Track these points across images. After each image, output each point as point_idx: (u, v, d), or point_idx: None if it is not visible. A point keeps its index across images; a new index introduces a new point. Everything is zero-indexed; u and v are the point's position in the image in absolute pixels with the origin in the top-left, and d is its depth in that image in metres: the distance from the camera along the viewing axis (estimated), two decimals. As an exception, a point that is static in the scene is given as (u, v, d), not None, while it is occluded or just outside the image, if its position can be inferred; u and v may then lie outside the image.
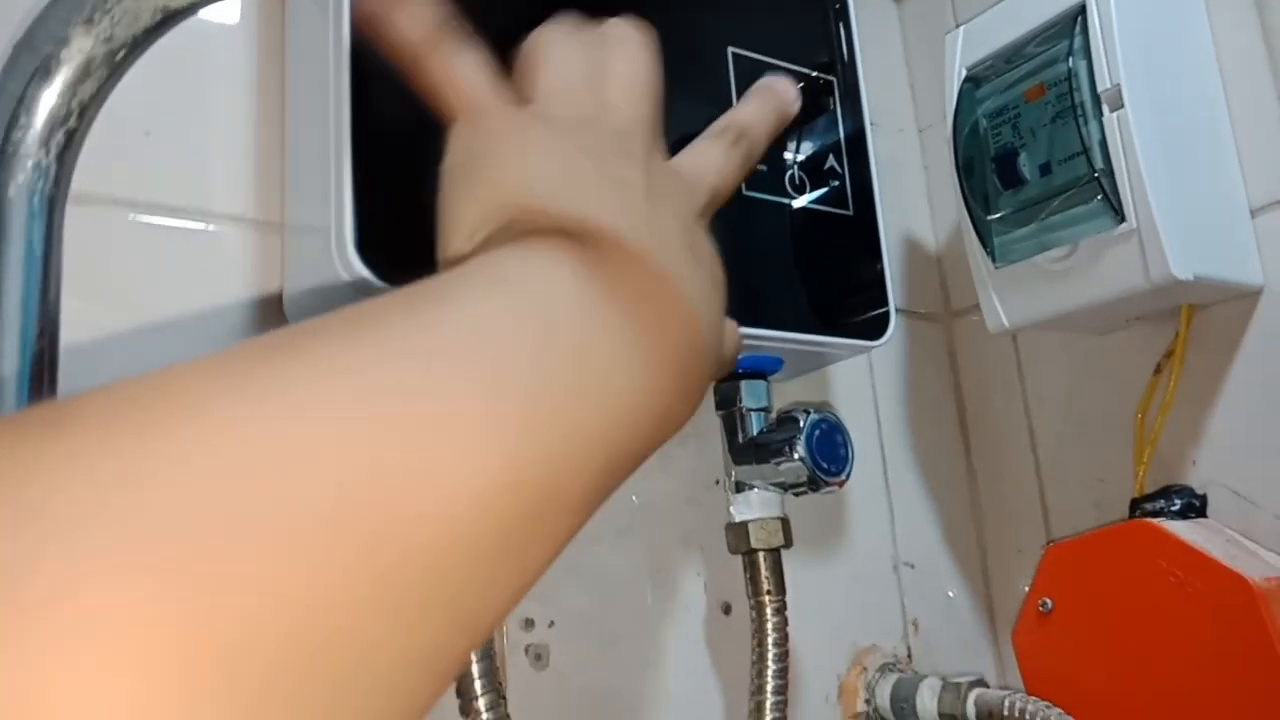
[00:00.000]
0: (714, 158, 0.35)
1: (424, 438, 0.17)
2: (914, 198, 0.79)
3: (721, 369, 0.31)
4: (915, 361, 0.75)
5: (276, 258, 0.48)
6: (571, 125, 0.30)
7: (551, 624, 0.54)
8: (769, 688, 0.53)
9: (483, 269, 0.22)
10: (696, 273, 0.28)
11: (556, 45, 0.32)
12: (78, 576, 0.12)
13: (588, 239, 0.25)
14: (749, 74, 0.55)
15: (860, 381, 0.71)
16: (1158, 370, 0.62)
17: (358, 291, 0.40)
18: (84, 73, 0.30)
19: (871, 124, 0.60)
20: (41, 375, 0.28)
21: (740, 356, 0.54)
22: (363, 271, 0.39)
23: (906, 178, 0.79)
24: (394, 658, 0.16)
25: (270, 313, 0.47)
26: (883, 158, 0.60)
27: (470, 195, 0.28)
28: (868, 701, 0.64)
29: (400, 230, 0.42)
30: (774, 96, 0.38)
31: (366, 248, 0.39)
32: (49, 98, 0.29)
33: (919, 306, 0.76)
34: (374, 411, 0.17)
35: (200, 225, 0.47)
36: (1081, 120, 0.54)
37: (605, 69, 0.32)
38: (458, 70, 0.31)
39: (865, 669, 0.65)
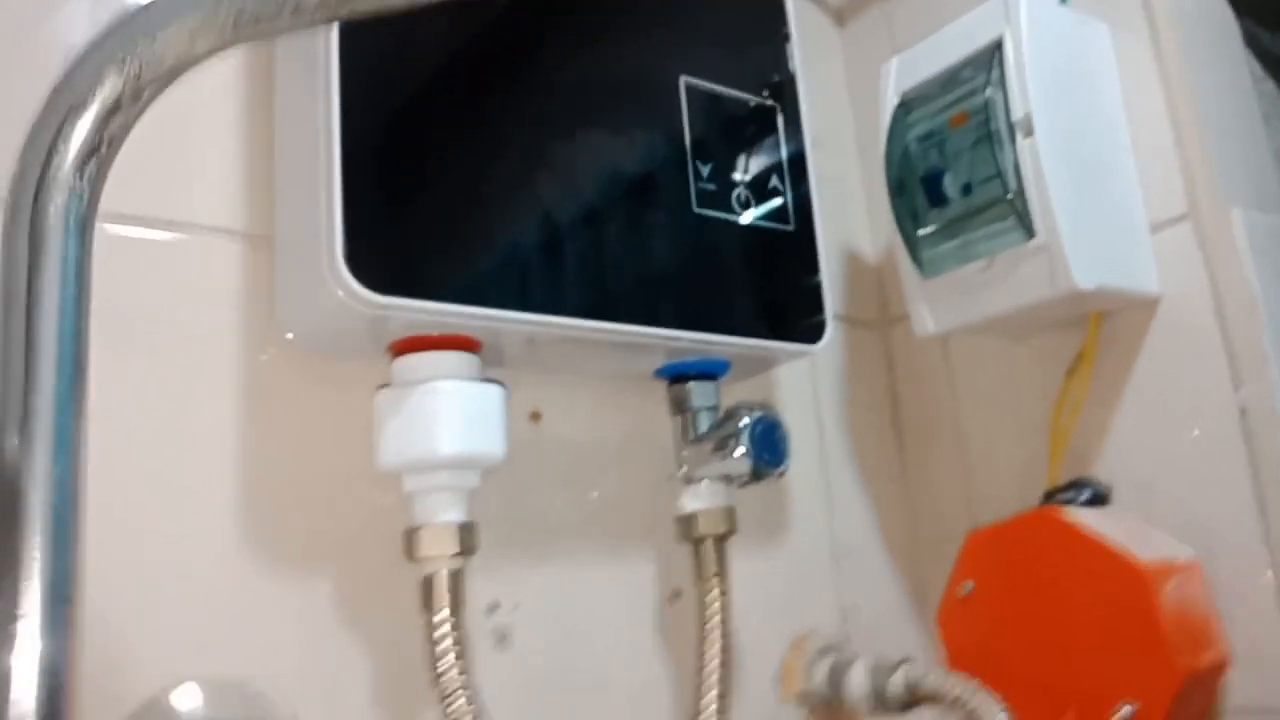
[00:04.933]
0: None
1: None
2: (855, 213, 0.85)
3: None
4: (854, 365, 0.81)
5: (267, 270, 0.52)
6: None
7: (516, 606, 0.58)
8: (714, 662, 0.57)
9: None
10: None
11: None
12: None
13: None
14: (700, 100, 0.60)
15: (802, 383, 0.76)
16: (1070, 373, 0.68)
17: (349, 301, 0.44)
18: (114, 108, 0.34)
19: (816, 143, 0.65)
20: (79, 370, 0.32)
21: (691, 360, 0.59)
22: (352, 284, 0.43)
23: (849, 194, 0.84)
24: None
25: (259, 324, 0.51)
26: (826, 175, 0.66)
27: None
28: (807, 681, 0.69)
29: (389, 243, 0.46)
30: None
31: (355, 261, 0.43)
32: (82, 131, 0.34)
33: (858, 314, 0.82)
34: None
35: (188, 237, 0.51)
36: (997, 146, 0.60)
37: None
38: None
39: (805, 651, 0.70)
